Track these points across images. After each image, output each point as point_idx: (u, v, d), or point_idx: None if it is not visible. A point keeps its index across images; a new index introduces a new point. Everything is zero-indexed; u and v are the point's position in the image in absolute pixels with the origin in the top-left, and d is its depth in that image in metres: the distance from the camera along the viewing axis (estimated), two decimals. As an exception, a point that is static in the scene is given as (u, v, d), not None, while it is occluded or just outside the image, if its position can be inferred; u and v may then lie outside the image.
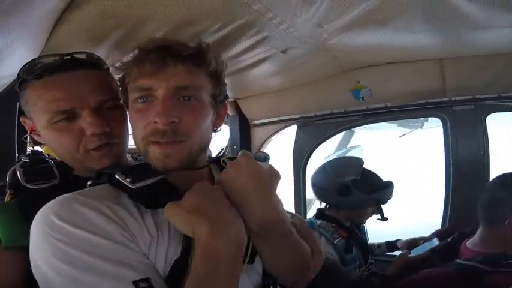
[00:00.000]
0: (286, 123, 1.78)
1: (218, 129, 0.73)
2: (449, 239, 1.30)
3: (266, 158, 0.62)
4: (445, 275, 1.01)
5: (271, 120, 1.78)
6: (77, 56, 0.70)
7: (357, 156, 1.62)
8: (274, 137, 1.85)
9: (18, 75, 0.69)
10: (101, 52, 0.84)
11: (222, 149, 0.82)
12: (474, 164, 1.51)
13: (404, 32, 0.94)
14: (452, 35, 0.99)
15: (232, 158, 0.76)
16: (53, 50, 0.74)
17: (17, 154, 0.94)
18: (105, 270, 0.48)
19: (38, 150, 0.78)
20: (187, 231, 0.54)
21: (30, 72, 0.67)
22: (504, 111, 1.51)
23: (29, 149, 0.83)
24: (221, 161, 0.77)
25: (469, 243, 1.14)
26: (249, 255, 0.61)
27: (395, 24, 0.87)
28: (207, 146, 0.69)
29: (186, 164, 0.61)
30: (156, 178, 0.59)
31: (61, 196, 0.53)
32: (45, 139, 0.72)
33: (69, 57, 0.68)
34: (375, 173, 1.50)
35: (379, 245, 1.69)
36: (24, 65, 0.68)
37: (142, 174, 0.59)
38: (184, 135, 0.60)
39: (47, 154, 0.76)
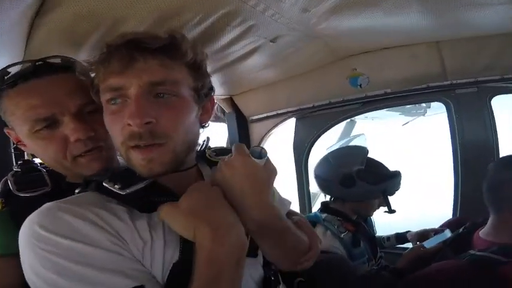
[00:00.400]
0: (284, 116, 1.75)
1: (206, 125, 0.68)
2: (460, 230, 1.25)
3: (262, 154, 0.58)
4: (458, 267, 0.96)
5: (268, 114, 1.75)
6: (51, 60, 0.68)
7: (361, 145, 1.56)
8: (273, 131, 1.82)
9: None
10: (83, 54, 0.83)
11: (204, 141, 0.78)
12: (483, 149, 1.45)
13: (395, 14, 0.91)
14: (447, 15, 0.95)
15: (220, 150, 0.75)
16: (34, 55, 0.73)
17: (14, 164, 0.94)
18: (96, 279, 0.46)
19: (29, 160, 0.77)
20: (188, 235, 0.52)
21: (3, 81, 0.65)
22: (509, 93, 1.44)
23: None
24: (207, 154, 0.73)
25: (482, 233, 1.09)
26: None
27: (385, 5, 0.84)
28: (194, 145, 0.65)
29: (172, 166, 0.58)
30: (146, 182, 0.57)
31: (45, 205, 0.51)
32: (31, 149, 0.70)
33: (41, 62, 0.66)
34: (380, 163, 1.45)
35: (388, 238, 1.64)
36: None
37: (131, 179, 0.56)
38: (165, 137, 0.55)
39: (40, 163, 0.75)
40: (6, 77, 0.65)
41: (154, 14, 0.73)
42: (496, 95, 1.43)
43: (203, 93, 0.63)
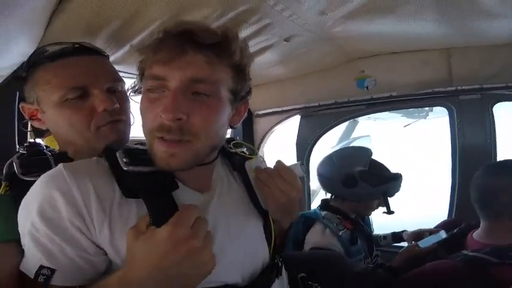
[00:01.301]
0: (290, 113, 1.77)
1: (235, 126, 0.68)
2: (455, 231, 1.28)
3: (302, 169, 0.71)
4: (454, 267, 0.99)
5: (274, 110, 1.76)
6: (85, 44, 0.74)
7: (366, 146, 1.57)
8: (277, 127, 1.84)
9: (29, 59, 0.71)
10: (99, 43, 0.85)
11: None
12: (481, 154, 1.48)
13: (411, 21, 0.92)
14: (461, 23, 0.96)
15: (237, 144, 0.76)
16: (51, 41, 0.74)
17: (17, 146, 0.93)
18: (30, 246, 0.51)
19: (36, 142, 0.78)
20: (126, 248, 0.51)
21: (44, 56, 0.69)
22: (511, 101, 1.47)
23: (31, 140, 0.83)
24: (231, 144, 0.74)
25: (475, 234, 1.12)
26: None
27: (403, 12, 0.85)
28: (219, 145, 0.65)
29: (191, 165, 0.57)
30: (154, 168, 0.56)
31: (48, 179, 0.53)
32: (52, 120, 0.71)
33: (78, 45, 0.72)
34: (383, 165, 1.46)
35: (384, 236, 1.66)
36: (34, 51, 0.72)
37: (143, 160, 0.57)
38: (192, 135, 0.55)
39: (46, 146, 0.76)
40: (44, 54, 0.69)
41: (173, 7, 0.73)
42: (498, 102, 1.46)
43: (240, 96, 0.62)
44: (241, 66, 0.60)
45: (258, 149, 1.88)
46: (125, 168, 0.55)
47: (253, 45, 1.00)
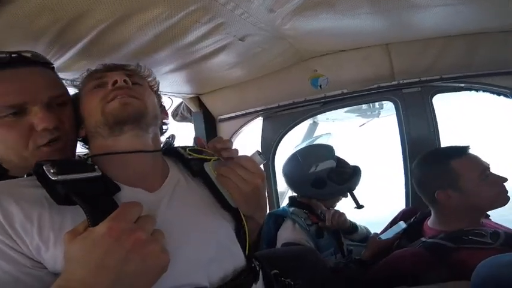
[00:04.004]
0: (252, 115, 1.78)
1: None
2: (411, 220, 1.34)
3: (262, 157, 0.71)
4: (417, 253, 1.04)
5: (237, 114, 1.77)
6: (24, 54, 0.68)
7: (328, 144, 1.62)
8: (241, 130, 1.84)
9: None
10: (39, 48, 0.80)
11: (169, 138, 0.78)
12: (426, 143, 1.58)
13: (349, 15, 0.97)
14: (393, 17, 1.03)
15: (196, 150, 0.76)
16: None
17: None
18: None
19: None
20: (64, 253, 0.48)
21: None
22: (447, 92, 1.59)
23: None
24: (186, 151, 0.74)
25: (430, 222, 1.19)
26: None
27: (342, 7, 0.90)
28: None
29: None
30: (88, 174, 0.57)
31: None
32: None
33: (16, 55, 0.67)
34: (345, 161, 1.53)
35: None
36: None
37: (75, 168, 0.56)
38: None
39: None
40: None
41: (122, 7, 0.72)
42: (437, 93, 1.57)
43: None
44: None
45: (224, 153, 1.85)
46: (53, 178, 0.53)
47: (207, 46, 1.00)
